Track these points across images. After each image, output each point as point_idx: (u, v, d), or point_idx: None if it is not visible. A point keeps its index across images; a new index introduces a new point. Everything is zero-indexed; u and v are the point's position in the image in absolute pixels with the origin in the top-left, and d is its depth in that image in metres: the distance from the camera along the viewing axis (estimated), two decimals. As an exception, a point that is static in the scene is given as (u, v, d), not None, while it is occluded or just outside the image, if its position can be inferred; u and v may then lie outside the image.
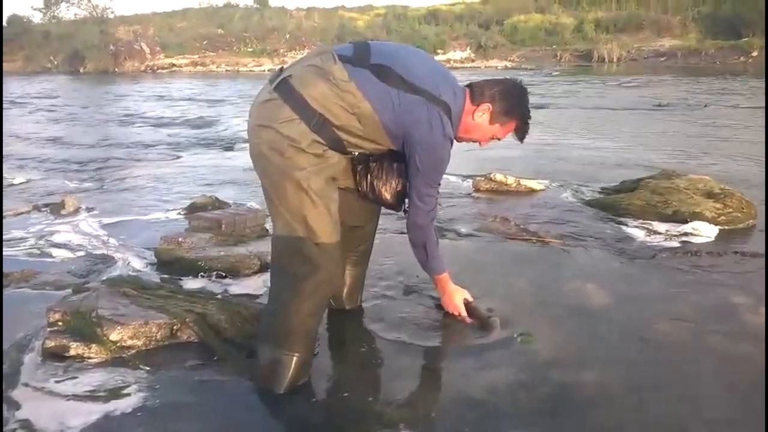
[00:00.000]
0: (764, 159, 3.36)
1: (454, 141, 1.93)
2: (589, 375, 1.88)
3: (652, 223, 3.41)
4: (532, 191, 4.14)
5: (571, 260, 2.87)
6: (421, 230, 1.99)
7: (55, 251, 2.96)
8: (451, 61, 20.64)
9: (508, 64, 20.16)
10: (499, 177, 4.19)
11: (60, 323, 2.03)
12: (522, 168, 4.79)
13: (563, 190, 4.15)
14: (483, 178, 4.24)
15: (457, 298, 2.18)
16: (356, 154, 1.88)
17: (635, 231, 3.31)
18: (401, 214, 2.07)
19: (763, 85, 11.14)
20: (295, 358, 1.73)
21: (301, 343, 1.75)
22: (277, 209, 1.76)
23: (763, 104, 8.71)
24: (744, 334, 2.14)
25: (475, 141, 2.04)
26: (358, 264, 2.23)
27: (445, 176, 4.51)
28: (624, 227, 3.37)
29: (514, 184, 4.16)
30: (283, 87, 1.72)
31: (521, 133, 2.06)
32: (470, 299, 2.21)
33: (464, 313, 2.17)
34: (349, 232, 2.00)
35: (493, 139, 2.04)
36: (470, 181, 4.34)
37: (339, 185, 1.89)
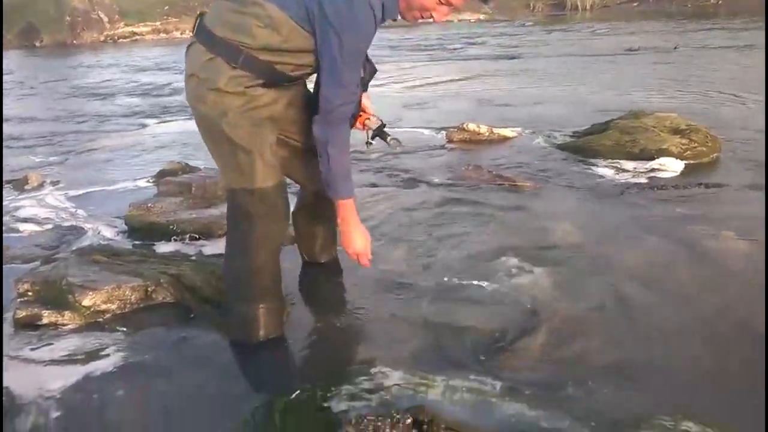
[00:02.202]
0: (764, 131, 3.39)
1: (402, 19, 1.66)
2: (561, 307, 1.93)
3: (621, 161, 3.46)
4: (505, 139, 4.15)
5: (543, 202, 2.91)
6: (328, 126, 1.66)
7: (21, 226, 2.89)
8: (421, 16, 20.18)
9: (482, 17, 19.83)
10: (471, 126, 4.18)
11: (30, 293, 2.01)
12: (495, 117, 4.78)
13: (536, 136, 4.16)
14: (456, 129, 4.22)
15: (358, 241, 1.85)
16: (294, 77, 1.69)
17: (605, 170, 3.36)
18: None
19: (731, 26, 11.19)
20: (261, 310, 1.74)
21: (264, 294, 1.75)
22: (217, 163, 1.74)
23: (728, 44, 8.77)
24: (707, 260, 2.22)
25: (426, 17, 1.64)
26: (329, 219, 2.18)
27: (417, 129, 4.63)
28: (594, 167, 3.42)
29: (487, 133, 4.16)
30: (199, 28, 1.66)
31: None
32: (369, 254, 1.88)
33: (363, 261, 1.87)
34: (314, 189, 1.97)
35: (450, 6, 1.63)
36: (443, 132, 4.32)
37: (289, 136, 1.84)
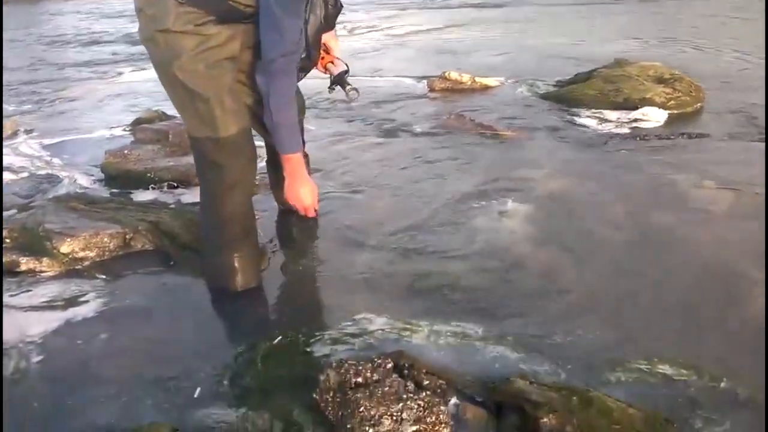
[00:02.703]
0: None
1: None
2: (546, 254, 1.96)
3: (604, 111, 3.45)
4: (487, 88, 4.10)
5: (524, 151, 2.91)
6: (269, 77, 1.59)
7: (-6, 174, 2.82)
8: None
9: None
10: (453, 75, 4.12)
11: (7, 240, 1.98)
12: (477, 66, 4.71)
13: (519, 86, 4.12)
14: (438, 78, 4.16)
15: (306, 196, 1.81)
16: (249, 14, 1.57)
17: (587, 120, 3.36)
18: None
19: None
20: (235, 259, 1.73)
21: (237, 243, 1.72)
22: (176, 109, 1.67)
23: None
24: (687, 207, 2.25)
25: None
26: None
27: (399, 78, 4.56)
28: (577, 117, 3.41)
29: (469, 82, 4.11)
30: None
31: None
32: (316, 205, 1.88)
33: (310, 213, 1.86)
34: None
35: None
36: (425, 81, 4.25)
37: (247, 82, 1.75)
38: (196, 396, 1.38)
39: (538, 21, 7.22)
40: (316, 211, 1.88)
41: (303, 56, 1.63)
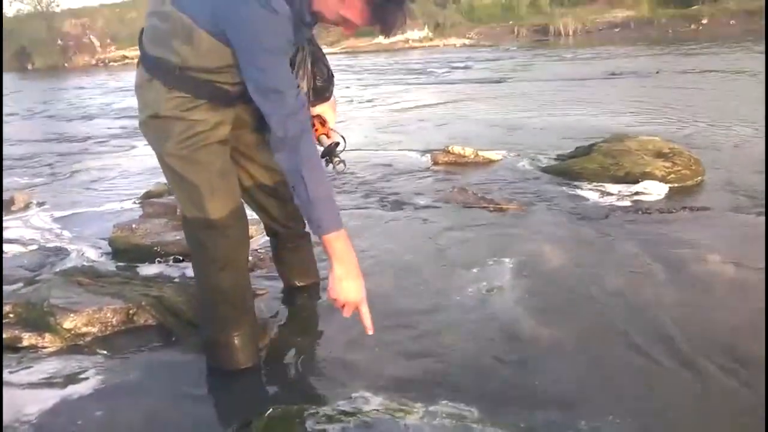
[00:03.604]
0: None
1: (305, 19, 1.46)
2: (546, 331, 1.93)
3: (605, 185, 3.50)
4: (490, 162, 4.19)
5: (527, 224, 2.93)
6: (290, 149, 1.44)
7: (5, 247, 2.87)
8: (410, 41, 20.56)
9: (467, 42, 20.19)
10: (456, 149, 4.22)
11: (11, 315, 1.99)
12: (480, 140, 4.83)
13: (520, 159, 4.21)
14: (441, 152, 4.27)
15: (353, 292, 1.51)
16: (239, 95, 1.55)
17: (589, 193, 3.40)
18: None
19: (711, 51, 11.47)
20: (232, 337, 1.71)
21: (232, 322, 1.71)
22: (173, 191, 1.71)
23: (709, 68, 8.97)
24: (693, 284, 2.22)
25: (331, 22, 1.48)
26: (304, 248, 2.18)
27: (402, 152, 4.68)
28: (578, 190, 3.46)
29: (472, 156, 4.21)
30: (140, 45, 1.58)
31: (376, 14, 1.37)
32: (364, 302, 1.56)
33: (347, 313, 1.56)
34: (270, 202, 1.93)
35: (348, 24, 1.44)
36: (428, 155, 4.36)
37: (247, 167, 1.80)
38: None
39: (537, 96, 7.47)
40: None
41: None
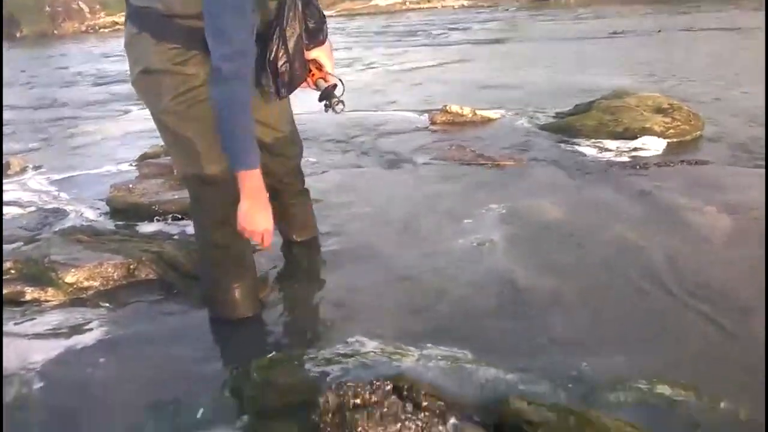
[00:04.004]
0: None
1: None
2: (543, 280, 1.95)
3: (604, 141, 3.49)
4: (488, 120, 4.17)
5: (525, 179, 2.94)
6: (220, 85, 1.44)
7: (4, 209, 2.87)
8: (407, 3, 20.15)
9: (465, 3, 19.80)
10: (454, 108, 4.19)
11: (12, 271, 2.01)
12: (478, 99, 4.79)
13: (519, 118, 4.19)
14: (439, 111, 4.23)
15: (261, 221, 1.59)
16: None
17: (587, 149, 3.39)
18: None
19: (712, 9, 11.27)
20: (232, 289, 1.73)
21: (232, 275, 1.73)
22: (167, 149, 1.72)
23: (710, 26, 8.83)
24: (689, 234, 2.24)
25: None
26: (303, 202, 2.18)
27: (400, 112, 4.64)
28: (577, 147, 3.45)
29: (470, 115, 4.17)
30: (126, 2, 1.56)
31: None
32: (271, 234, 1.65)
33: (266, 243, 1.64)
34: (269, 159, 1.90)
35: None
36: (426, 115, 4.33)
37: None
38: (197, 420, 1.38)
39: (537, 55, 7.38)
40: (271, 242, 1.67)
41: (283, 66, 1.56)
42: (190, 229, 2.47)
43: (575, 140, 3.56)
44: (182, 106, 1.55)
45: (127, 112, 5.44)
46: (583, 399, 1.37)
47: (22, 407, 1.45)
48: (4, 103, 6.28)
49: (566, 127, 3.77)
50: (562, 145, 3.51)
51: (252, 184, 1.53)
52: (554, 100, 4.67)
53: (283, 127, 1.90)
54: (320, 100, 1.73)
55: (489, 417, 1.30)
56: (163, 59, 1.51)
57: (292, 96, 1.76)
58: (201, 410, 1.41)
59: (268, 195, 1.60)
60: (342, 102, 1.72)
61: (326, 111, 1.74)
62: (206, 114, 1.54)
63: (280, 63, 1.57)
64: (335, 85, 1.73)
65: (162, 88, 1.53)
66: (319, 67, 1.74)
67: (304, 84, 1.72)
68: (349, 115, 4.49)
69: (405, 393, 1.32)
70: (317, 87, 1.73)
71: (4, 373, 1.56)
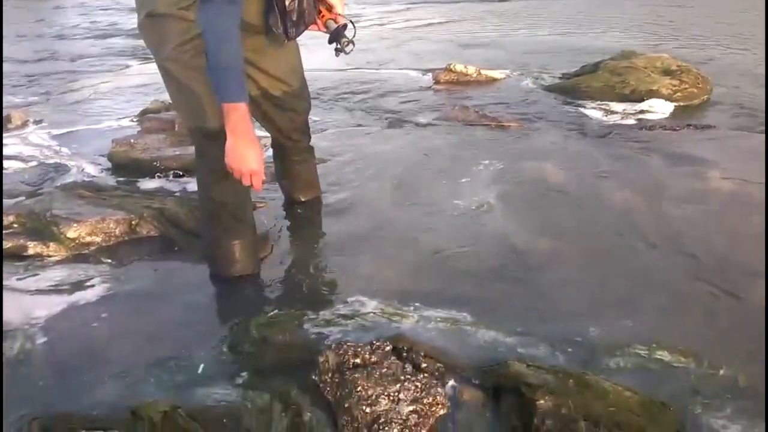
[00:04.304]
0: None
1: None
2: (544, 242, 1.96)
3: (610, 103, 3.44)
4: (492, 80, 4.10)
5: (529, 142, 2.91)
6: (206, 10, 1.39)
7: (5, 163, 2.85)
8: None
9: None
10: (459, 67, 4.11)
11: (15, 225, 2.02)
12: (482, 59, 4.69)
13: (524, 78, 4.12)
14: (443, 70, 4.15)
15: (251, 158, 1.48)
16: None
17: (593, 112, 3.35)
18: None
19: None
20: (232, 245, 1.74)
21: (232, 231, 1.73)
22: (171, 99, 1.66)
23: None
24: (692, 198, 2.23)
25: None
26: (307, 160, 2.16)
27: (403, 71, 4.55)
28: (582, 109, 3.40)
29: (475, 74, 4.10)
30: None
31: None
32: (262, 174, 1.53)
33: (256, 184, 1.53)
34: (277, 114, 1.89)
35: None
36: (430, 74, 4.25)
37: (251, 74, 1.69)
38: (196, 375, 1.41)
39: (544, 14, 7.19)
40: (263, 182, 1.57)
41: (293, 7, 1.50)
42: (191, 186, 2.48)
43: (581, 102, 3.51)
44: (187, 54, 1.50)
45: (126, 66, 5.35)
46: (582, 363, 1.39)
47: (25, 362, 1.48)
48: (10, 56, 6.19)
49: (572, 89, 3.71)
50: (567, 106, 3.46)
51: (236, 118, 1.43)
52: (559, 61, 4.58)
53: (293, 80, 1.85)
54: (330, 41, 1.67)
55: (488, 379, 1.32)
56: (168, 3, 1.46)
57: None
58: (201, 366, 1.44)
59: (255, 132, 1.50)
60: (352, 42, 1.66)
61: (336, 55, 1.68)
62: None
63: (288, 0, 1.51)
64: (345, 26, 1.67)
65: (166, 34, 1.49)
66: (329, 8, 1.67)
67: (314, 26, 1.67)
68: (350, 73, 4.42)
69: (405, 354, 1.34)
70: (327, 28, 1.66)
71: (9, 328, 1.59)
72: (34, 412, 1.29)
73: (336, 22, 1.66)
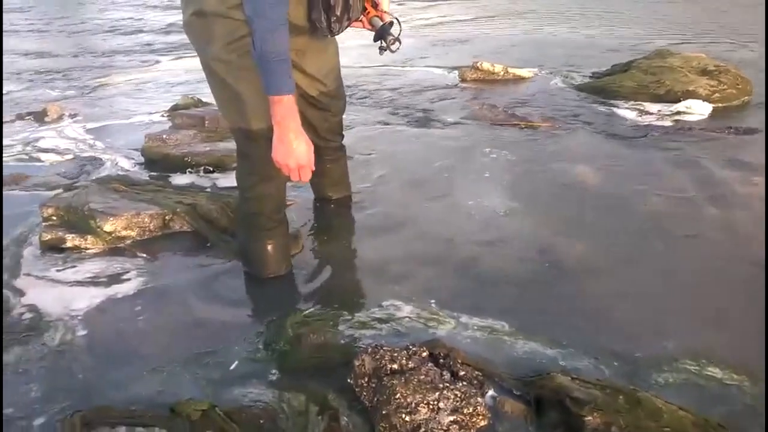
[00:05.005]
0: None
1: None
2: (579, 247, 1.92)
3: (645, 103, 3.37)
4: (520, 79, 4.04)
5: (560, 142, 2.86)
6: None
7: (43, 156, 2.93)
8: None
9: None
10: (486, 65, 4.06)
11: (54, 218, 2.06)
12: (510, 57, 4.64)
13: (553, 77, 4.05)
14: (469, 68, 4.11)
15: (300, 152, 1.46)
16: None
17: (626, 112, 3.28)
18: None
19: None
20: (266, 245, 1.74)
21: (267, 231, 1.73)
22: (214, 98, 1.65)
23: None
24: (732, 205, 2.17)
25: None
26: (339, 159, 2.15)
27: (429, 68, 4.52)
28: (615, 109, 3.34)
29: (502, 72, 4.05)
30: None
31: None
32: (312, 166, 1.51)
33: (304, 177, 1.51)
34: (312, 114, 1.87)
35: None
36: (456, 72, 4.22)
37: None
38: (231, 373, 1.42)
39: (572, 11, 7.07)
40: (312, 171, 1.53)
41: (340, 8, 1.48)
42: (222, 182, 2.50)
43: (613, 102, 3.44)
44: (233, 54, 1.50)
45: (157, 62, 5.41)
46: (628, 377, 1.34)
47: (66, 353, 1.50)
48: (42, 49, 6.32)
49: (603, 88, 3.64)
50: (599, 106, 3.40)
51: (283, 110, 1.41)
52: (589, 59, 4.50)
53: (330, 81, 1.85)
54: (375, 39, 1.64)
55: (529, 391, 1.29)
56: (217, 2, 1.46)
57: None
58: (236, 363, 1.45)
59: (301, 126, 1.47)
60: (399, 41, 1.62)
61: (381, 53, 1.65)
62: (255, 65, 1.45)
63: None
64: (392, 23, 1.64)
65: (214, 33, 1.48)
66: (375, 5, 1.65)
67: (357, 23, 1.64)
68: (375, 70, 4.41)
69: (441, 361, 1.32)
70: (372, 25, 1.64)
71: (50, 318, 1.63)
72: (76, 405, 1.31)
73: (382, 19, 1.64)
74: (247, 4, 1.37)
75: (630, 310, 1.61)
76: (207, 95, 3.81)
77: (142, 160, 2.77)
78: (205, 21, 1.49)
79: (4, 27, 8.11)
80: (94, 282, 1.79)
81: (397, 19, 1.65)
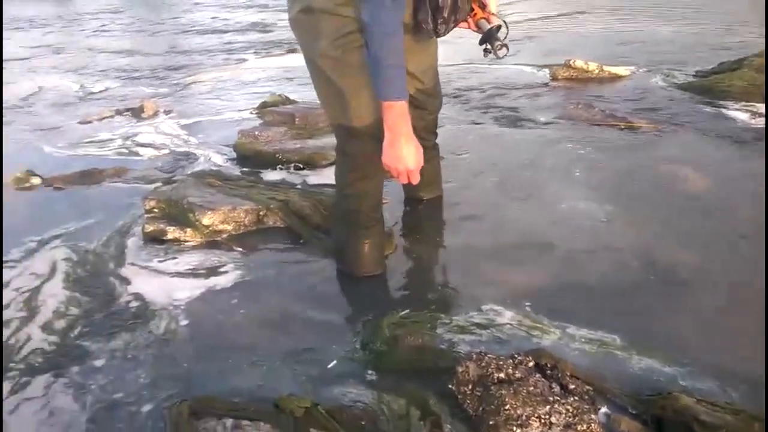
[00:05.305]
0: None
1: None
2: (689, 256, 1.79)
3: (757, 104, 3.09)
4: (616, 77, 3.83)
5: (664, 144, 2.68)
6: (371, 5, 1.36)
7: (141, 150, 3.07)
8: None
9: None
10: (579, 63, 3.88)
11: (155, 210, 2.14)
12: (604, 54, 4.41)
13: (652, 75, 3.81)
14: (561, 66, 3.95)
15: (410, 157, 1.48)
16: None
17: (737, 113, 3.03)
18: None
19: None
20: (362, 245, 1.72)
21: (363, 230, 1.71)
22: (316, 94, 1.64)
23: None
24: None
25: None
26: (432, 157, 2.08)
27: (518, 67, 4.39)
28: (724, 110, 3.09)
29: (597, 71, 3.86)
30: None
31: None
32: (414, 170, 1.51)
33: (414, 179, 1.52)
34: (413, 117, 1.75)
35: None
36: (546, 70, 4.06)
37: None
38: (330, 371, 1.41)
39: (672, 5, 6.66)
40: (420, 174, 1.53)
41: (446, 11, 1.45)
42: (312, 179, 2.52)
43: (721, 102, 3.19)
44: (339, 50, 1.48)
45: (243, 60, 5.59)
46: (757, 402, 1.22)
47: (170, 342, 1.55)
48: (134, 48, 6.71)
49: (710, 88, 3.38)
50: (706, 107, 3.15)
51: (395, 116, 1.42)
52: (692, 56, 4.20)
53: (428, 79, 1.81)
54: (481, 42, 1.58)
55: (647, 410, 1.20)
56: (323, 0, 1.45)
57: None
58: (334, 361, 1.43)
59: (412, 131, 1.47)
60: (506, 46, 1.55)
61: (485, 55, 1.58)
62: (361, 62, 1.46)
63: None
64: (499, 27, 1.57)
65: (321, 29, 1.48)
66: (482, 6, 1.59)
67: (464, 24, 1.59)
68: (463, 68, 4.32)
69: (548, 372, 1.25)
70: (479, 28, 1.58)
71: (155, 307, 1.68)
72: (181, 393, 1.34)
73: (489, 22, 1.57)
74: (365, 9, 1.36)
75: (752, 327, 1.47)
76: (294, 93, 3.92)
77: (234, 155, 2.84)
78: (312, 17, 1.49)
79: (99, 28, 8.68)
80: (194, 273, 1.84)
81: (504, 21, 1.58)
